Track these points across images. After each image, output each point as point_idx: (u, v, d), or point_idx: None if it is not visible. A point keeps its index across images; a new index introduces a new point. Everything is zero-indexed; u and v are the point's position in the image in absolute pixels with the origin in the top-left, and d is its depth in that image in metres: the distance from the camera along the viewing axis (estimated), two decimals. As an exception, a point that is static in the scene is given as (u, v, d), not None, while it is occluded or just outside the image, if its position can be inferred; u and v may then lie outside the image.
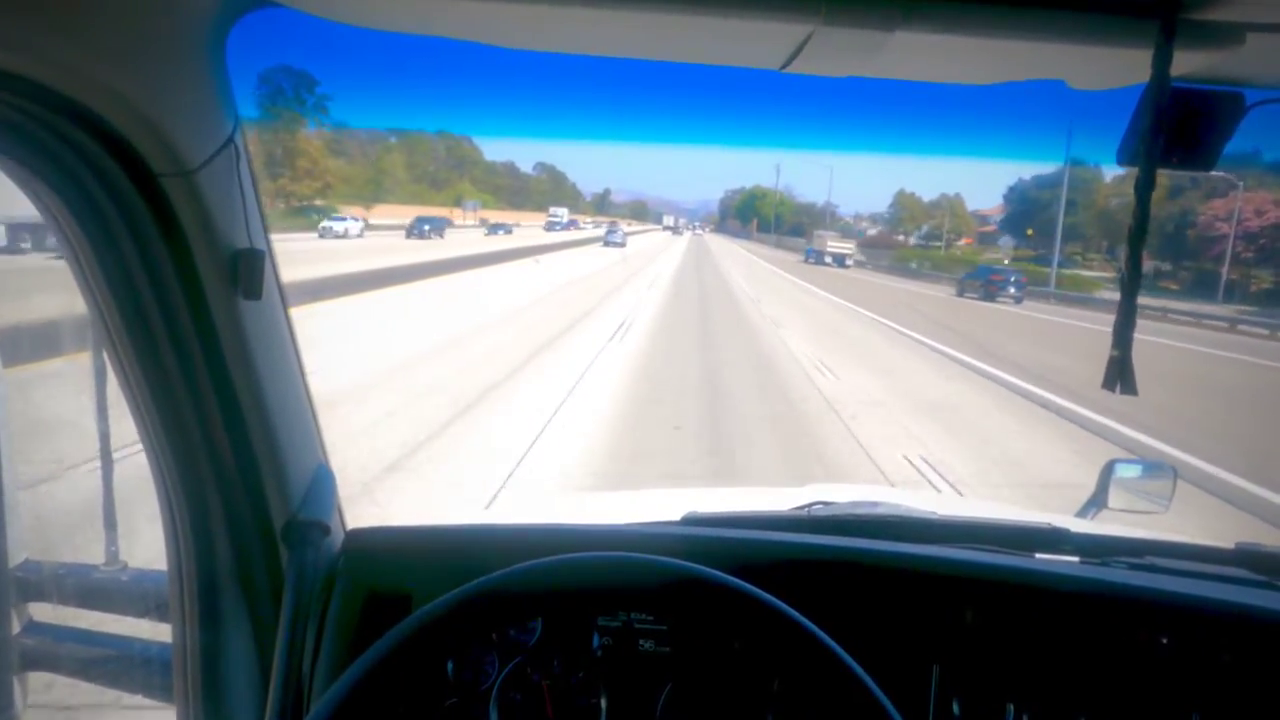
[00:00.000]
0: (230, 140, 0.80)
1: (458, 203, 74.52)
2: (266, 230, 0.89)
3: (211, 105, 0.77)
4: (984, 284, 30.41)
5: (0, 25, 0.56)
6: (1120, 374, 0.62)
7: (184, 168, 0.75)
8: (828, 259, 50.92)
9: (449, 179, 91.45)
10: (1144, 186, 0.63)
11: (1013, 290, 29.66)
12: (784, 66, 0.77)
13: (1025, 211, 60.52)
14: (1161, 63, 0.61)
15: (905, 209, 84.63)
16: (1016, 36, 0.66)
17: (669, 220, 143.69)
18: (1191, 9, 0.62)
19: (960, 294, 31.12)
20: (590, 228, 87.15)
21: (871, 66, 0.74)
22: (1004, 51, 0.69)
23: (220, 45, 0.76)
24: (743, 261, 45.96)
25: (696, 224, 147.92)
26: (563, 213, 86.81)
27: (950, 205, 79.47)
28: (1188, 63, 0.68)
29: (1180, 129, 0.76)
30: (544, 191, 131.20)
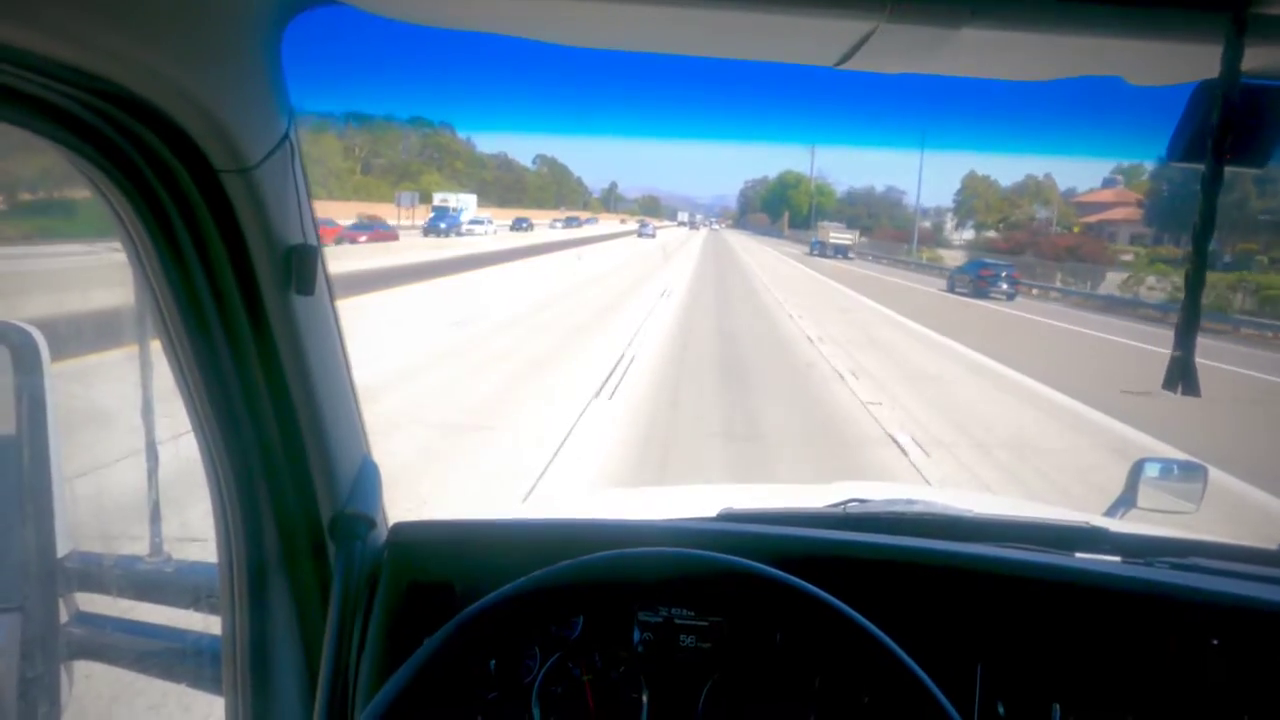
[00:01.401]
0: (286, 136, 0.81)
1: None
2: (316, 226, 0.90)
3: (269, 102, 0.77)
4: (974, 279, 28.97)
5: (66, 20, 0.57)
6: (1182, 374, 0.62)
7: (244, 164, 0.75)
8: (829, 250, 52.33)
9: (419, 170, 76.34)
10: (1210, 183, 0.62)
11: (1004, 286, 28.18)
12: (839, 64, 0.76)
13: (1185, 195, 38.03)
14: (1232, 58, 0.60)
15: (977, 195, 65.59)
16: (1081, 33, 0.65)
17: (683, 216, 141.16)
18: (1262, 3, 0.61)
19: (950, 289, 29.98)
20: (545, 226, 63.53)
21: (930, 64, 0.73)
22: (1066, 48, 0.69)
23: (276, 42, 0.76)
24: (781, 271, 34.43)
25: (713, 219, 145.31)
26: (463, 202, 50.49)
27: (1039, 190, 60.34)
28: (1253, 58, 0.67)
29: (1239, 125, 0.75)
30: (543, 187, 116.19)
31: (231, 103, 0.72)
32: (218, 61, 0.69)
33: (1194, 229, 0.62)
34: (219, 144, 0.73)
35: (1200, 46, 0.66)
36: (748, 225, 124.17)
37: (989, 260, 32.90)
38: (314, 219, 0.89)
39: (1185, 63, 0.71)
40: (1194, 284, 0.62)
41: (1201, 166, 0.68)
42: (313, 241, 0.87)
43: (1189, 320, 0.62)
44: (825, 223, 64.73)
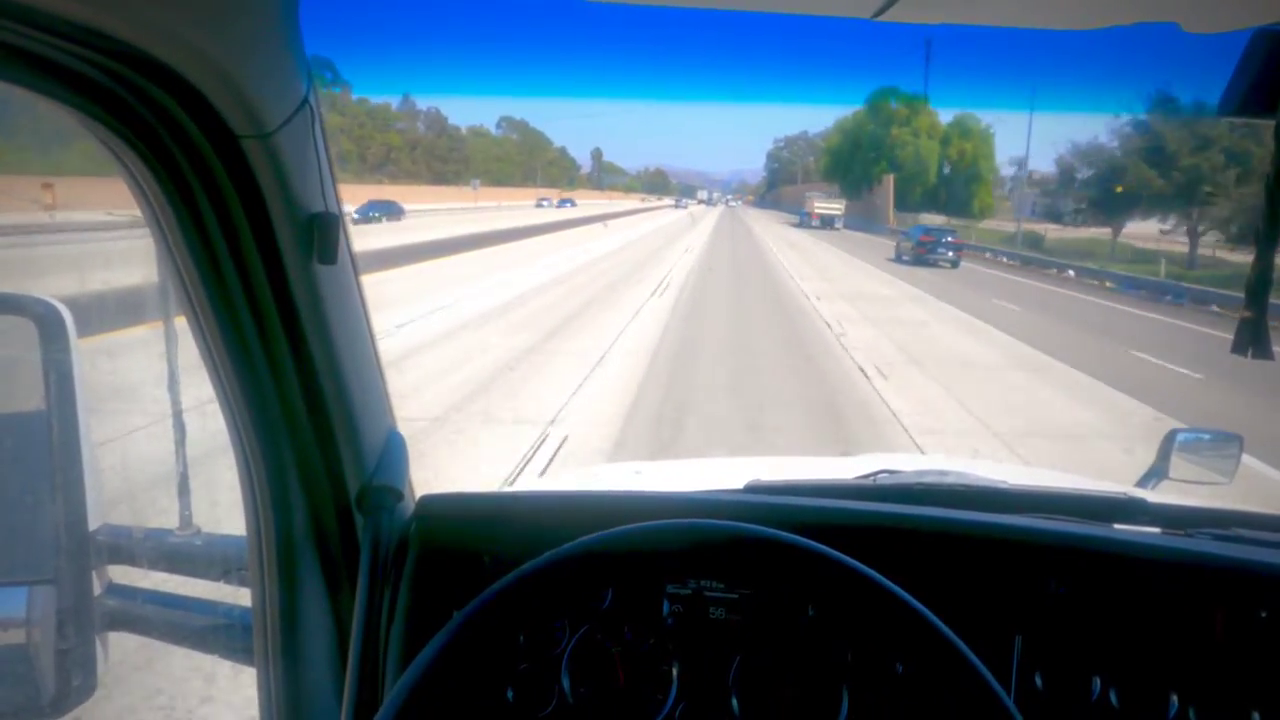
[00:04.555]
0: (305, 101, 0.78)
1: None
2: (338, 194, 0.88)
3: (288, 66, 0.75)
4: (915, 246, 28.66)
5: None
6: (1254, 337, 0.58)
7: (263, 129, 0.73)
8: (815, 221, 53.17)
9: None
10: None
11: (949, 253, 28.02)
12: (876, 15, 0.73)
13: None
14: None
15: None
16: None
17: (702, 195, 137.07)
18: None
19: (897, 258, 29.50)
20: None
21: (975, 13, 0.70)
22: None
23: (294, 4, 0.74)
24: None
25: (729, 196, 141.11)
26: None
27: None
28: None
29: None
30: (503, 157, 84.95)
31: (249, 64, 0.69)
32: (233, 21, 0.67)
33: (1266, 183, 0.58)
34: (237, 108, 0.71)
35: None
36: (781, 203, 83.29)
37: (930, 227, 32.60)
38: (335, 186, 0.87)
39: (1250, 5, 0.67)
40: (1266, 241, 0.59)
41: (1259, 120, 0.64)
42: (334, 209, 0.85)
43: (1261, 278, 0.58)
44: (811, 193, 63.11)
